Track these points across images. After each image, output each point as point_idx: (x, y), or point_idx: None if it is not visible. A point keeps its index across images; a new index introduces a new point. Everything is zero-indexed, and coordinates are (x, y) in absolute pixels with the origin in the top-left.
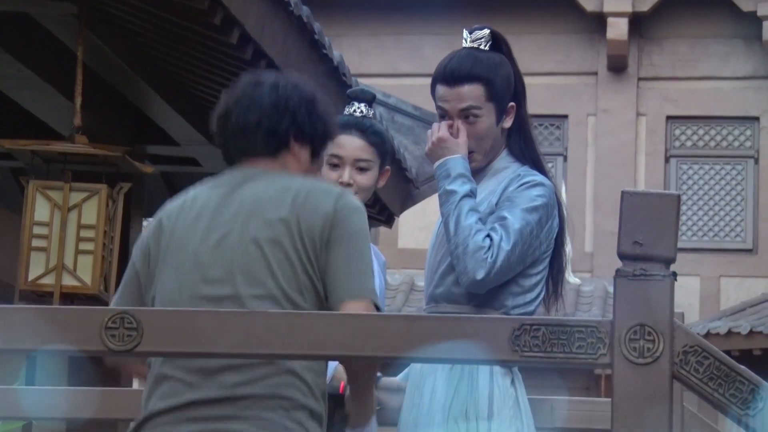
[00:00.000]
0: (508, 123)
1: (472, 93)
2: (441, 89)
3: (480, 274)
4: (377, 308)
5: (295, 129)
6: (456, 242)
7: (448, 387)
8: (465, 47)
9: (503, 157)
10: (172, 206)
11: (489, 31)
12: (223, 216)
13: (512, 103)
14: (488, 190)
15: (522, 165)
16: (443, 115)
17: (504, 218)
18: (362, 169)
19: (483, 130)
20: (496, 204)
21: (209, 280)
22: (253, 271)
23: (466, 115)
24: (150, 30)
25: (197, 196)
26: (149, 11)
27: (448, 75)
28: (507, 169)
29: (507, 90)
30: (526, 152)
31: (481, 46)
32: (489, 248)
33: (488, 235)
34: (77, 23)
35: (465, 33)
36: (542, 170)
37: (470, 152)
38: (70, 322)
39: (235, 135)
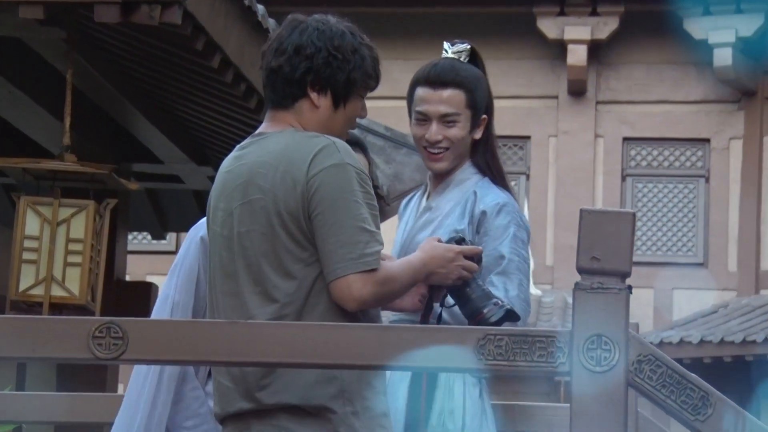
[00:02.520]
0: (478, 134)
1: (454, 98)
2: (423, 91)
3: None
4: (372, 269)
5: (312, 75)
6: None
7: (428, 396)
8: (446, 57)
9: (466, 168)
10: (217, 176)
11: (469, 46)
12: (231, 200)
13: (485, 116)
14: (453, 201)
15: (483, 177)
16: (422, 119)
17: (501, 258)
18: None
19: (458, 136)
20: (468, 224)
21: (228, 273)
22: (249, 266)
23: (446, 120)
24: (135, 54)
25: (223, 166)
26: (135, 36)
27: (434, 77)
28: (469, 180)
29: (483, 102)
30: (492, 165)
31: (461, 59)
32: None
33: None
34: (66, 47)
35: (446, 45)
36: (504, 183)
37: (445, 150)
38: (59, 332)
39: (264, 80)
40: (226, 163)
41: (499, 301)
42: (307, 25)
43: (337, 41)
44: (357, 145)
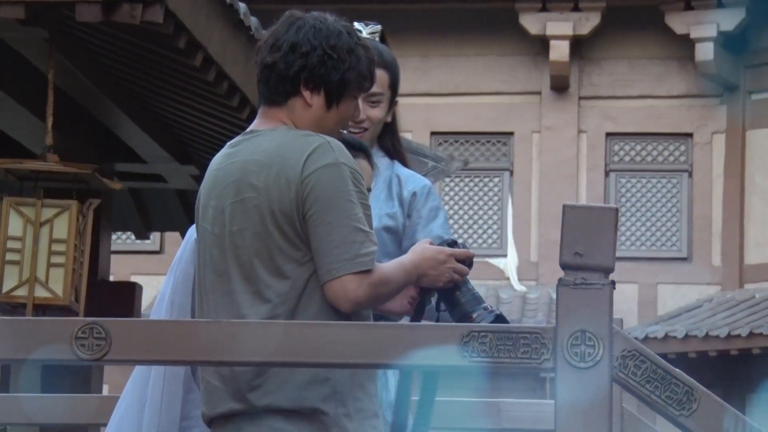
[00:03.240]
0: (389, 117)
1: (380, 78)
2: None
3: None
4: (367, 270)
5: (306, 73)
6: None
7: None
8: (365, 37)
9: (375, 151)
10: (207, 174)
11: (380, 27)
12: (223, 197)
13: (397, 99)
14: (375, 186)
15: (391, 160)
16: None
17: (438, 239)
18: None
19: (379, 116)
20: (399, 206)
21: (218, 272)
22: (241, 265)
23: (370, 100)
24: (118, 53)
25: (214, 163)
26: (117, 35)
27: None
28: (379, 164)
29: (399, 85)
30: (399, 149)
31: (376, 39)
32: None
33: None
34: (48, 47)
35: (360, 26)
36: (408, 167)
37: (364, 130)
38: (42, 333)
39: (258, 74)
40: (217, 159)
41: (489, 306)
42: (305, 22)
43: (333, 40)
44: (361, 150)
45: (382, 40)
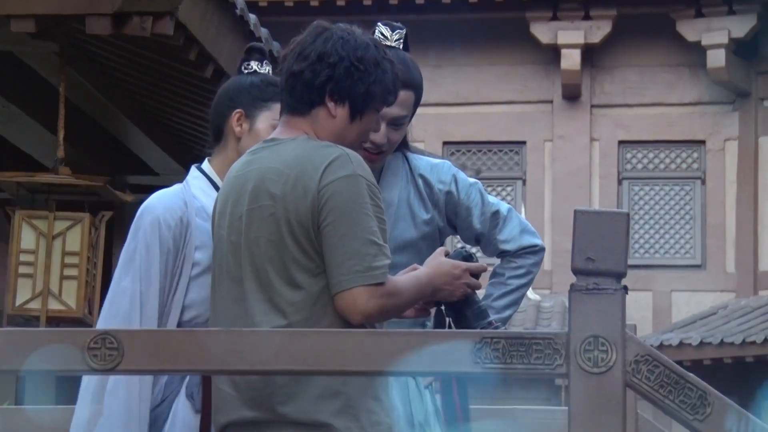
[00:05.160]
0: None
1: (407, 100)
2: None
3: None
4: (379, 283)
5: (332, 84)
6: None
7: (403, 401)
8: (390, 46)
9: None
10: (225, 180)
11: (405, 30)
12: (240, 204)
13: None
14: (397, 188)
15: (397, 153)
16: None
17: (496, 214)
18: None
19: (399, 138)
20: (434, 208)
21: (233, 279)
22: (256, 272)
23: (395, 123)
24: (128, 66)
25: (232, 170)
26: (127, 48)
27: None
28: (395, 163)
29: (419, 102)
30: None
31: (400, 47)
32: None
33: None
34: (59, 61)
35: (385, 29)
36: (410, 149)
37: (383, 152)
38: (55, 344)
39: (283, 83)
40: (236, 166)
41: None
42: (332, 33)
43: (360, 52)
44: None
45: (405, 43)
